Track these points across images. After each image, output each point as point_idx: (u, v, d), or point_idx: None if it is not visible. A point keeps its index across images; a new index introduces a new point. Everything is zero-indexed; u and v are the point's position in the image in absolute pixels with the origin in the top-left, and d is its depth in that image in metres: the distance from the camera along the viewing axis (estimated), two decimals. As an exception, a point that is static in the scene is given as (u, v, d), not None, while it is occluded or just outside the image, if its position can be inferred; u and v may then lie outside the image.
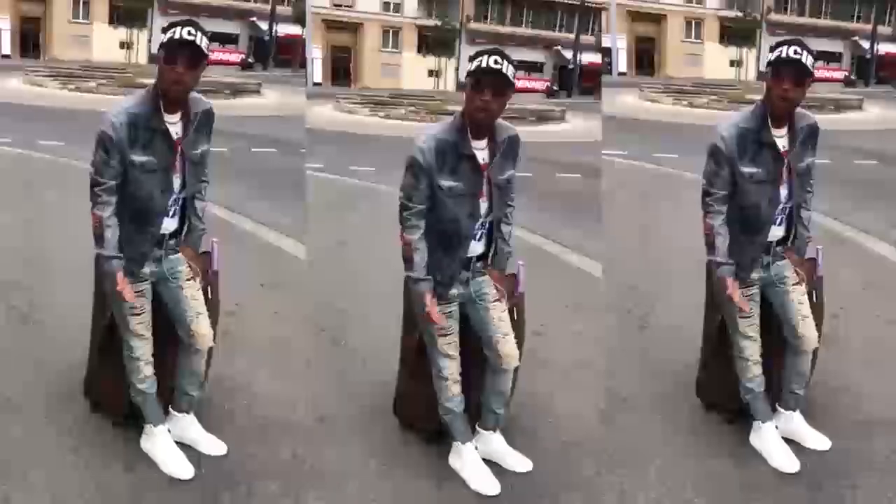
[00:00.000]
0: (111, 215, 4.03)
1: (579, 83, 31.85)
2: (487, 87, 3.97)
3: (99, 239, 4.05)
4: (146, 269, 4.18)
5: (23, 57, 30.04)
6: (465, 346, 4.30)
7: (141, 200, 4.08)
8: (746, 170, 4.21)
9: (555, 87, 33.08)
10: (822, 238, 4.38)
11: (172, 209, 4.19)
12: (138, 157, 4.02)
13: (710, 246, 4.28)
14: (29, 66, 26.59)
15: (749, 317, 4.41)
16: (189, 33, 3.96)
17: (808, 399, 4.66)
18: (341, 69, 32.80)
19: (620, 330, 5.97)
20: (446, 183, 4.05)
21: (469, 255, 4.19)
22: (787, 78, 4.14)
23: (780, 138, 4.26)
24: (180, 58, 3.98)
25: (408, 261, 4.10)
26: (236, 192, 9.57)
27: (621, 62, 32.23)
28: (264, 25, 32.21)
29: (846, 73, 33.62)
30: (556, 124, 23.96)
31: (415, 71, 32.78)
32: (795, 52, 4.12)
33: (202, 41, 3.99)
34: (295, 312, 5.98)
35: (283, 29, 31.26)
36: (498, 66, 3.94)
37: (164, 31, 4.00)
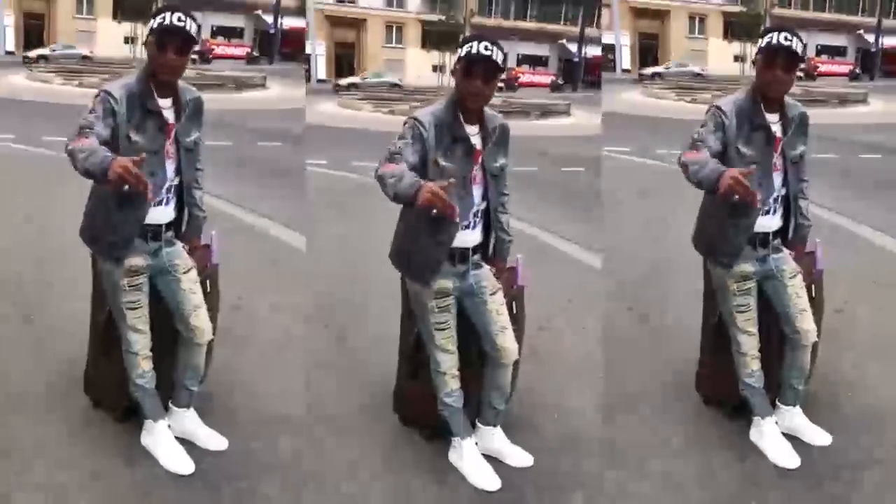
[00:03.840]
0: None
1: (584, 77, 31.80)
2: (478, 73, 3.98)
3: (81, 151, 3.65)
4: (142, 262, 4.16)
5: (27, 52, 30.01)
6: (463, 341, 4.29)
7: None
8: (742, 149, 4.19)
9: (559, 81, 33.04)
10: (826, 232, 4.38)
11: (166, 197, 4.16)
12: (134, 136, 3.97)
13: (690, 162, 3.92)
14: (33, 63, 26.60)
15: (747, 311, 4.40)
16: (179, 19, 3.95)
17: (810, 394, 4.65)
18: (345, 65, 32.78)
19: (621, 326, 5.96)
20: (442, 162, 4.01)
21: (464, 246, 4.15)
22: (778, 64, 4.14)
23: (774, 124, 4.25)
24: (170, 44, 3.97)
25: (389, 176, 3.75)
26: (242, 187, 9.58)
27: (625, 59, 32.18)
28: (269, 18, 32.18)
29: (851, 68, 33.53)
30: (560, 118, 23.96)
31: (419, 66, 32.75)
32: (786, 39, 4.11)
33: (192, 27, 3.99)
34: (298, 307, 5.98)
35: (289, 22, 31.21)
36: (488, 53, 3.95)
37: (154, 16, 3.99)
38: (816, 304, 4.53)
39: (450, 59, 31.68)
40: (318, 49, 31.35)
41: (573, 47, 32.90)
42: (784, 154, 4.28)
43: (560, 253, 8.00)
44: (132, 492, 4.04)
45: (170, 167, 4.14)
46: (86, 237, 4.24)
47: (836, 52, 33.89)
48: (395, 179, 3.75)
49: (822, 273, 4.60)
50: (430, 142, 3.99)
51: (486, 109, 4.15)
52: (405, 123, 4.04)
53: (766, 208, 4.30)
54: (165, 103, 4.08)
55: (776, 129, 4.25)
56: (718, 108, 4.20)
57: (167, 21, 3.95)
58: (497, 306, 4.22)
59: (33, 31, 31.59)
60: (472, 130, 4.10)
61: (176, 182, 4.18)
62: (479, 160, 4.12)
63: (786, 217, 4.38)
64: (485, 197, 4.17)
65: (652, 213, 9.26)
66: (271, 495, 4.09)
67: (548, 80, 32.73)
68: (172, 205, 4.21)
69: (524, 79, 31.59)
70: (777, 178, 4.29)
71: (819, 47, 32.94)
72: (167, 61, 3.99)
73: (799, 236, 4.44)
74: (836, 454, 4.41)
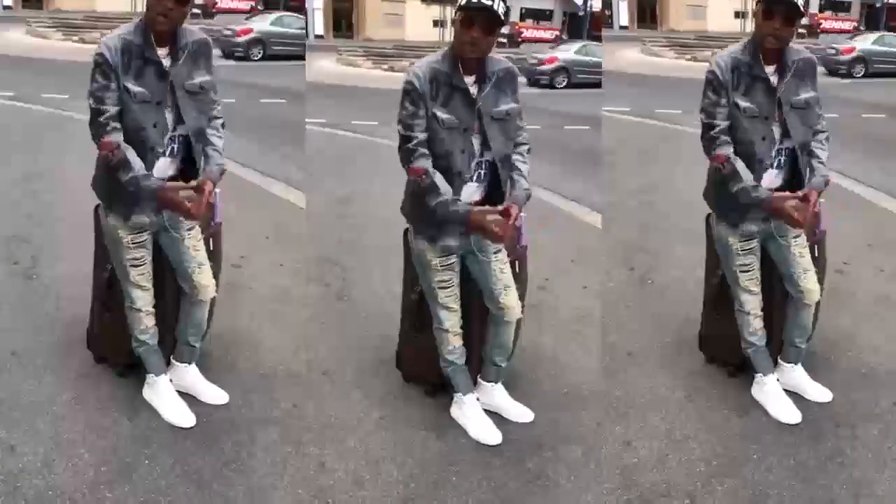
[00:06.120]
0: (122, 140, 3.90)
1: (589, 31, 31.58)
2: (477, 23, 3.92)
3: (124, 165, 3.89)
4: (146, 219, 4.13)
5: (25, 8, 29.81)
6: (466, 299, 4.30)
7: (132, 133, 3.96)
8: (741, 102, 4.16)
9: (564, 36, 32.81)
10: (827, 192, 4.36)
11: (170, 148, 4.10)
12: (132, 86, 3.96)
13: (733, 175, 4.09)
14: (32, 18, 26.41)
15: (749, 270, 4.40)
16: None
17: (810, 352, 4.67)
18: (343, 20, 32.49)
19: (624, 285, 5.97)
20: (441, 114, 3.99)
21: (467, 202, 4.06)
22: (778, 17, 4.07)
23: (772, 75, 4.18)
24: None
25: (431, 189, 3.95)
26: (244, 144, 9.54)
27: (622, 15, 31.93)
28: (274, -31, 31.82)
29: (855, 24, 33.29)
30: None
31: (419, 21, 32.45)
32: None
33: None
34: (300, 265, 5.98)
35: (294, -29, 30.85)
36: (489, 3, 3.89)
37: None
38: (819, 263, 4.53)
39: (451, 14, 31.47)
40: (315, 3, 31.03)
41: (578, 0, 32.64)
42: (781, 103, 4.18)
43: (562, 212, 7.99)
44: (134, 444, 4.07)
45: (169, 116, 4.06)
46: (96, 190, 4.22)
47: (839, 7, 33.66)
48: (442, 192, 3.91)
49: (824, 233, 4.60)
50: (427, 95, 3.96)
51: (491, 56, 4.08)
52: (403, 85, 4.00)
53: (769, 162, 4.22)
54: (162, 51, 4.03)
55: (774, 80, 4.18)
56: (711, 70, 4.16)
57: None
58: (500, 265, 4.20)
59: (31, -15, 31.33)
60: (471, 80, 4.05)
61: (180, 133, 4.11)
62: (476, 108, 4.06)
63: (790, 173, 4.28)
64: (486, 147, 4.10)
65: (652, 172, 9.24)
66: (271, 447, 4.12)
67: (552, 35, 32.52)
68: (178, 158, 4.14)
69: (528, 34, 31.40)
70: (777, 130, 4.21)
71: (822, 2, 32.71)
72: (165, 9, 3.93)
73: (815, 185, 4.21)
74: (836, 410, 4.44)
